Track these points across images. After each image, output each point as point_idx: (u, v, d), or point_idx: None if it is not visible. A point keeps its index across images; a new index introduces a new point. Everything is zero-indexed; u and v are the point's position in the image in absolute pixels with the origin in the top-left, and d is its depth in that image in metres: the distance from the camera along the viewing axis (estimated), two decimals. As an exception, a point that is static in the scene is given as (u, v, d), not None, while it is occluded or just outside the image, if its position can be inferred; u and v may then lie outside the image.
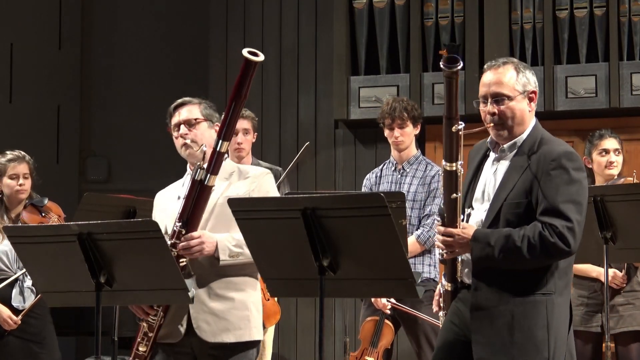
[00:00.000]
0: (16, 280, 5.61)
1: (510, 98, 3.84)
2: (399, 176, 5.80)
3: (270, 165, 6.20)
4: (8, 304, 5.59)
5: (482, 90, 3.89)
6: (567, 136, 7.61)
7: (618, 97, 7.47)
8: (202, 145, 4.19)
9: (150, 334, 4.12)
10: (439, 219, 3.88)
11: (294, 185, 7.65)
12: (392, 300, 5.57)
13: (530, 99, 3.89)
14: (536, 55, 7.68)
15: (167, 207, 4.29)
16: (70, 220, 5.30)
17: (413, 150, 5.84)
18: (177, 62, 9.49)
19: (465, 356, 3.83)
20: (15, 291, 5.63)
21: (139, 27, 9.65)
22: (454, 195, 3.81)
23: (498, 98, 3.84)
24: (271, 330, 6.04)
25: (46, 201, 5.73)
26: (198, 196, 4.06)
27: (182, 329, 4.12)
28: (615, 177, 5.73)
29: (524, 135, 3.87)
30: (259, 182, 4.24)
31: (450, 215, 3.82)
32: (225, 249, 4.07)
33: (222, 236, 4.10)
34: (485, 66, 3.96)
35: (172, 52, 9.53)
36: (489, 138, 3.96)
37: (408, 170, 5.79)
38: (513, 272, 3.75)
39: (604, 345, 5.18)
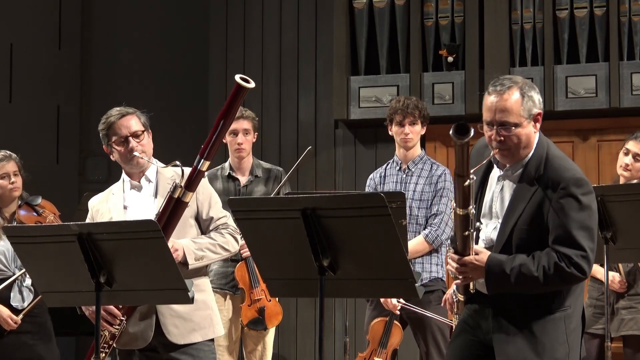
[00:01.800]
0: (14, 280, 5.61)
1: (517, 125, 3.80)
2: (404, 176, 5.79)
3: (271, 166, 6.19)
4: (7, 303, 5.59)
5: (487, 115, 3.83)
6: (567, 136, 7.63)
7: (618, 97, 7.47)
8: (150, 157, 4.37)
9: (111, 342, 4.25)
10: (451, 247, 3.91)
11: (294, 185, 7.64)
12: (402, 300, 5.58)
13: (536, 121, 3.85)
14: (536, 55, 7.68)
15: (113, 216, 4.41)
16: (69, 220, 5.31)
17: (418, 150, 5.84)
18: (177, 62, 9.48)
19: (479, 357, 3.88)
20: (14, 291, 5.62)
21: (139, 27, 9.64)
22: (467, 232, 3.83)
23: (505, 126, 3.80)
24: (272, 330, 6.03)
25: (39, 199, 5.74)
26: (173, 212, 4.18)
27: (151, 334, 4.26)
28: (635, 181, 5.71)
29: (529, 155, 3.86)
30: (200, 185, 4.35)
31: (463, 247, 3.85)
32: (191, 254, 4.24)
33: (185, 241, 4.26)
34: (489, 87, 3.87)
35: (172, 52, 9.53)
36: (492, 154, 3.92)
37: (413, 169, 5.78)
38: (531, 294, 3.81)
39: (606, 346, 5.18)
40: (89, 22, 9.78)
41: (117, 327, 4.23)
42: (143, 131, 4.40)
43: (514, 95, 3.80)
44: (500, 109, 3.80)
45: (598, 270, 5.69)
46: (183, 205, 4.19)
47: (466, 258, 3.83)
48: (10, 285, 5.60)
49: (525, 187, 3.82)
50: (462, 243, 3.84)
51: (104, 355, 4.23)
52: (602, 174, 7.53)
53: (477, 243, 3.93)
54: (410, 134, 5.74)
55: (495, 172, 3.96)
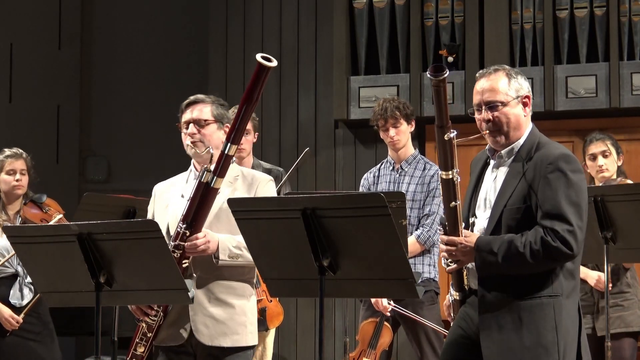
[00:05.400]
0: (16, 277, 5.61)
1: (504, 104, 3.86)
2: (397, 176, 5.79)
3: (272, 166, 6.19)
4: (6, 301, 5.59)
5: (476, 98, 3.92)
6: (567, 136, 7.62)
7: (618, 97, 7.47)
8: (208, 147, 4.20)
9: (149, 335, 4.13)
10: (441, 228, 3.90)
11: (295, 185, 7.64)
12: (392, 302, 5.57)
13: (524, 104, 3.90)
14: (536, 55, 7.68)
15: (169, 203, 4.29)
16: (70, 220, 5.31)
17: (410, 150, 5.83)
18: (177, 62, 9.49)
19: (472, 358, 3.85)
20: (14, 288, 5.63)
21: (139, 27, 9.65)
22: (453, 203, 3.83)
23: (492, 105, 3.86)
24: (272, 330, 6.02)
25: (45, 198, 5.74)
26: (203, 198, 4.06)
27: (186, 332, 4.14)
28: (612, 178, 5.72)
29: (521, 141, 3.89)
30: (262, 189, 4.26)
31: (452, 223, 3.84)
32: (225, 249, 4.09)
33: (224, 236, 4.12)
34: (477, 74, 3.98)
35: (172, 52, 9.54)
36: (487, 146, 3.97)
37: (406, 169, 5.78)
38: (518, 275, 3.77)
39: (606, 345, 5.17)
40: (89, 22, 9.79)
41: (153, 318, 4.11)
42: (206, 121, 4.26)
43: (501, 77, 3.89)
44: (487, 89, 3.88)
45: (581, 270, 5.71)
46: (213, 192, 4.06)
47: (455, 238, 3.82)
48: (11, 282, 5.60)
49: (516, 169, 3.84)
50: (450, 218, 3.82)
51: (143, 349, 4.11)
52: (602, 174, 7.52)
53: None
54: (395, 136, 5.75)
55: (490, 167, 3.97)
